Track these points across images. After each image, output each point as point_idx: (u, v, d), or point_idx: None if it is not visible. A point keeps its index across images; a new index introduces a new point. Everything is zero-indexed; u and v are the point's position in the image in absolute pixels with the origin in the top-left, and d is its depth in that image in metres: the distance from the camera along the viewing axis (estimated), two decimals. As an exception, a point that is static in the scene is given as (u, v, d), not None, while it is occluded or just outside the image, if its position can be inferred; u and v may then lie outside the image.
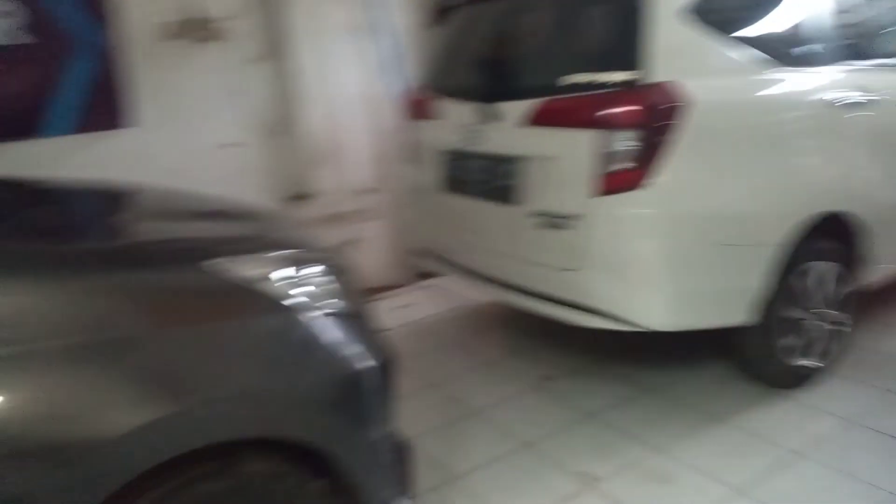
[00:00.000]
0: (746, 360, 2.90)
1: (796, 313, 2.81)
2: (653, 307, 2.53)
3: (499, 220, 2.90)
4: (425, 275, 4.26)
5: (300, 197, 4.23)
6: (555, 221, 2.66)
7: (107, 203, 2.28)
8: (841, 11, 2.91)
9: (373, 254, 4.42)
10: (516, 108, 2.77)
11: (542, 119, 2.70)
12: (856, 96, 2.83)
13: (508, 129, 2.82)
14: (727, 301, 2.63)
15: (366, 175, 4.38)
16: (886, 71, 3.04)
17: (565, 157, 2.62)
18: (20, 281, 1.35)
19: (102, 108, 3.61)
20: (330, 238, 4.16)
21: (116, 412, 1.32)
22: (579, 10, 2.91)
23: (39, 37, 3.38)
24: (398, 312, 4.00)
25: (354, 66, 4.28)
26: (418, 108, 3.44)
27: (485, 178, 2.96)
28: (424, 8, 4.45)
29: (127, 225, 2.15)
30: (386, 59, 4.36)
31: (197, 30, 3.83)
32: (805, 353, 2.88)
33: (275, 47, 4.09)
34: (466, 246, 3.14)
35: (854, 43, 2.94)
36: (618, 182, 2.49)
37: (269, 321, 1.60)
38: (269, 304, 1.60)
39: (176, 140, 3.82)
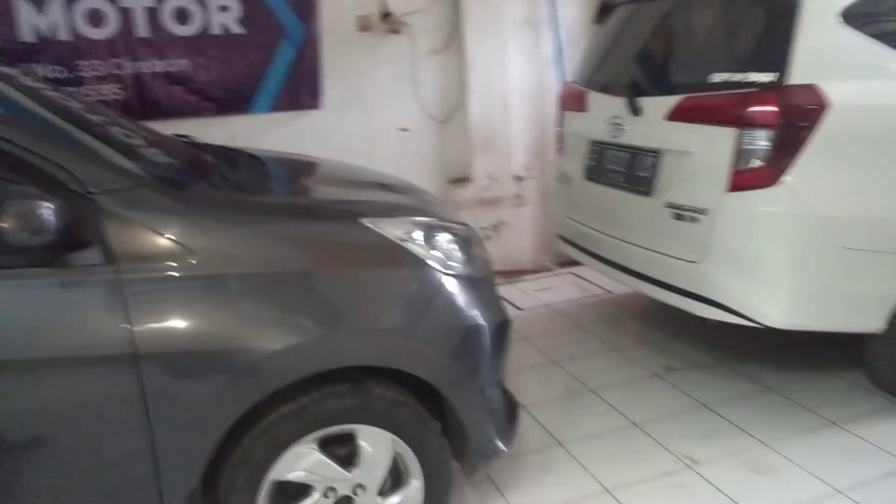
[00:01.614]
0: (877, 370, 2.84)
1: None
2: (771, 304, 2.59)
3: (635, 210, 3.06)
4: (570, 261, 4.46)
5: (461, 180, 4.61)
6: (687, 214, 2.78)
7: (293, 169, 2.78)
8: None
9: (522, 237, 4.70)
10: (660, 104, 2.91)
11: (682, 115, 2.83)
12: None
13: (650, 122, 2.97)
14: (856, 306, 2.62)
15: (522, 162, 4.66)
16: None
17: (701, 152, 2.73)
18: (224, 221, 1.79)
19: (300, 91, 4.21)
20: (483, 219, 4.53)
21: (281, 331, 1.72)
22: (729, 11, 2.99)
23: (253, 28, 4.01)
24: (538, 294, 4.26)
25: (521, 59, 4.56)
26: (571, 100, 3.66)
27: (624, 170, 3.12)
28: (591, 4, 4.62)
29: (305, 187, 2.63)
30: (552, 52, 4.59)
31: (384, 23, 4.31)
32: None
33: (450, 40, 4.49)
34: (604, 234, 3.32)
35: None
36: (749, 179, 2.57)
37: (406, 273, 1.95)
38: (407, 258, 1.95)
39: (359, 122, 4.36)
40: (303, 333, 1.74)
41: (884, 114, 2.56)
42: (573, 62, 4.26)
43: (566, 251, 3.73)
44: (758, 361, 3.22)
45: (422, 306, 1.94)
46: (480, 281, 2.13)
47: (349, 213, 2.01)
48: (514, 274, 4.61)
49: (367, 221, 1.94)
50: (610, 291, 4.18)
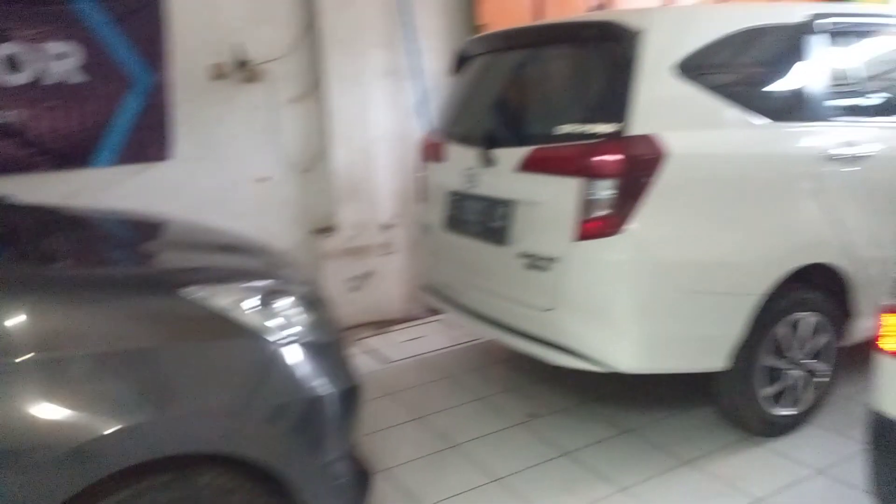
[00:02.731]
0: (727, 406, 2.95)
1: (778, 362, 2.87)
2: (622, 349, 2.64)
3: (491, 259, 3.07)
4: (438, 310, 4.43)
5: (326, 230, 4.49)
6: (538, 263, 2.81)
7: (122, 232, 2.57)
8: (831, 69, 2.97)
9: (391, 286, 4.62)
10: (512, 155, 2.96)
11: (532, 165, 2.88)
12: (845, 152, 2.89)
13: (503, 173, 3.00)
14: (701, 347, 2.73)
15: (389, 211, 4.60)
16: (875, 128, 3.06)
17: (550, 202, 2.78)
18: (18, 298, 1.59)
19: (148, 142, 3.96)
20: (350, 269, 4.42)
21: (81, 424, 1.52)
22: (573, 64, 3.10)
23: (95, 76, 3.76)
24: (407, 346, 4.18)
25: (385, 108, 4.54)
26: (430, 151, 3.66)
27: (481, 219, 3.14)
28: (451, 56, 4.70)
29: (129, 253, 2.42)
30: (414, 102, 4.61)
31: (240, 71, 4.16)
32: (785, 402, 2.92)
33: (311, 89, 4.40)
34: (464, 283, 3.31)
35: (842, 100, 2.99)
36: (595, 228, 2.63)
37: (234, 345, 1.81)
38: (235, 329, 1.81)
39: (213, 173, 4.15)
40: (109, 423, 1.55)
41: (719, 162, 2.70)
42: (436, 112, 4.29)
43: (429, 301, 3.69)
44: (618, 403, 3.28)
45: (254, 381, 1.81)
46: (326, 345, 2.02)
47: (169, 284, 1.85)
48: (383, 324, 4.52)
49: (190, 291, 1.79)
50: (478, 338, 4.18)
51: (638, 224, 2.57)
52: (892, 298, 1.68)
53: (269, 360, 1.83)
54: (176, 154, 4.01)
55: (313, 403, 1.89)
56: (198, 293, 1.79)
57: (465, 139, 3.34)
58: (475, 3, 4.65)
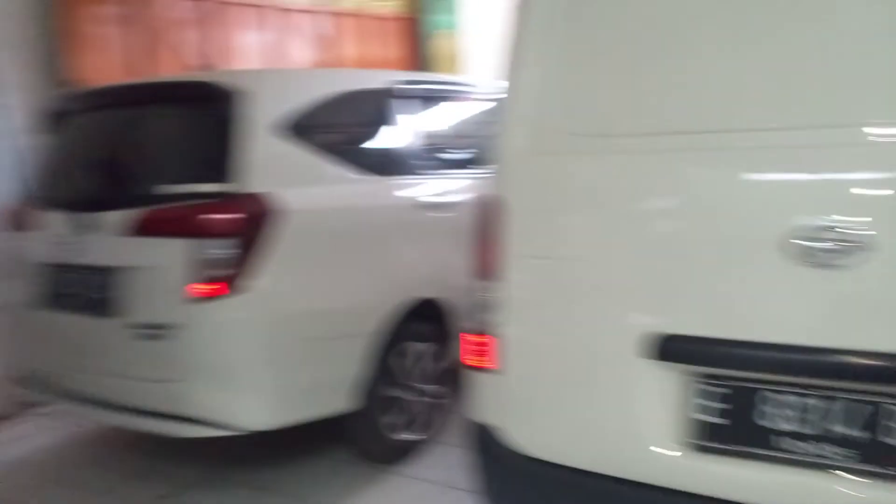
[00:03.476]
0: (355, 442, 3.08)
1: (397, 391, 3.11)
2: (251, 408, 2.62)
3: (98, 335, 2.79)
4: (38, 402, 3.83)
5: None
6: (153, 332, 2.62)
7: None
8: (418, 129, 3.39)
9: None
10: (115, 219, 2.74)
11: (138, 229, 2.70)
12: (435, 200, 3.29)
13: (106, 239, 2.76)
14: (326, 392, 2.82)
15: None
16: (457, 179, 3.55)
17: (160, 266, 2.64)
18: None
19: None
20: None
21: None
22: (177, 124, 3.01)
23: None
24: (3, 449, 3.52)
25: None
26: (17, 218, 3.19)
27: (82, 292, 2.83)
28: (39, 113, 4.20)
29: None
30: (6, 165, 3.98)
31: None
32: (408, 428, 3.16)
33: None
34: (69, 366, 2.93)
35: (430, 156, 3.43)
36: (212, 289, 2.56)
37: None
38: None
39: None
40: None
41: (326, 215, 2.85)
42: (31, 174, 3.76)
43: (27, 392, 3.18)
44: (251, 464, 3.19)
45: None
46: None
47: None
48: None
49: None
50: (94, 426, 3.70)
51: (253, 281, 2.58)
52: (468, 322, 1.95)
53: None
54: None
55: None
56: None
57: (62, 204, 3.00)
58: (64, 57, 4.24)
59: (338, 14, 6.41)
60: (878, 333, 1.35)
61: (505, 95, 1.79)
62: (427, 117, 3.48)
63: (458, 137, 3.69)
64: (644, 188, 1.58)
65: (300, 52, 6.16)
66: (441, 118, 3.63)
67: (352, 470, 3.08)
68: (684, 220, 1.52)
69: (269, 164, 2.72)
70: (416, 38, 6.88)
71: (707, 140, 1.50)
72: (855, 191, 1.36)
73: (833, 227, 1.34)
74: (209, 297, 2.56)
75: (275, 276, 2.62)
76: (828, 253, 1.34)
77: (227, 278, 2.56)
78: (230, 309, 2.56)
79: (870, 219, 1.32)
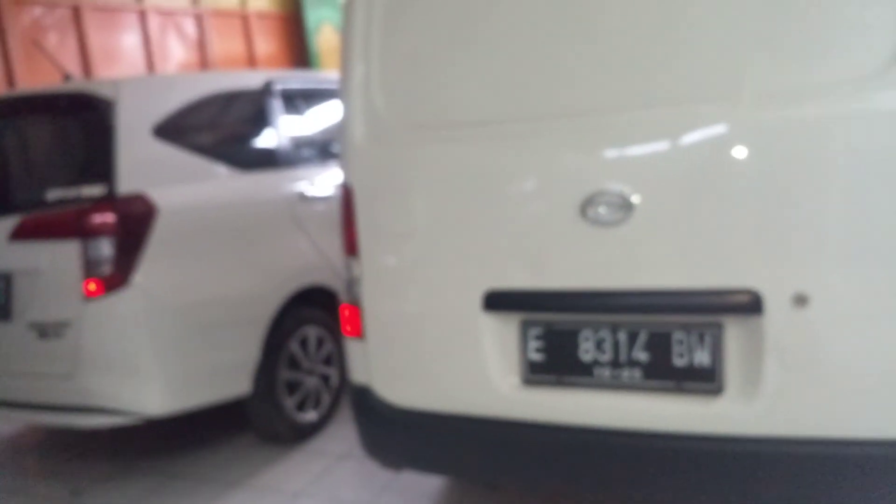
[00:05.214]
0: (259, 424, 3.29)
1: (295, 374, 3.33)
2: (149, 395, 2.78)
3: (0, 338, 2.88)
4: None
5: None
6: (50, 330, 2.76)
7: None
8: (296, 125, 3.59)
9: None
10: (2, 225, 2.85)
11: (25, 233, 2.83)
12: (314, 192, 3.51)
13: (-2, 246, 2.85)
14: (222, 377, 3.01)
15: None
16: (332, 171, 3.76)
17: (52, 267, 2.77)
18: None
19: None
20: None
21: None
22: (55, 132, 3.13)
23: None
24: None
25: None
26: None
27: (-23, 299, 2.90)
28: None
29: None
30: None
31: None
32: (309, 407, 3.40)
33: None
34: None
35: (313, 150, 3.64)
36: (101, 286, 2.71)
37: None
38: None
39: None
40: None
41: (208, 211, 3.03)
42: None
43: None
44: (161, 454, 3.35)
45: None
46: None
47: None
48: None
49: None
50: (2, 427, 3.75)
51: (141, 276, 2.75)
52: (345, 297, 2.20)
53: None
54: None
55: None
56: None
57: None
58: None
59: (219, 14, 6.46)
60: (648, 274, 1.71)
61: (341, 89, 2.05)
62: (303, 113, 3.68)
63: (334, 131, 3.90)
64: (465, 171, 1.88)
65: (182, 53, 6.19)
66: (317, 113, 3.82)
67: (258, 451, 3.30)
68: (501, 196, 1.84)
69: (143, 165, 2.89)
70: (299, 35, 7.01)
71: (510, 128, 1.82)
72: (619, 164, 1.71)
73: (605, 193, 1.68)
74: (97, 294, 2.71)
75: (157, 270, 2.80)
76: (605, 214, 1.69)
77: (111, 275, 2.72)
78: (117, 304, 2.72)
79: (630, 186, 1.67)
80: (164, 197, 2.84)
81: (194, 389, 2.91)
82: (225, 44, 6.64)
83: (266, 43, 7.11)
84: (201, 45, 6.43)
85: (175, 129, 3.01)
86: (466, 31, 1.87)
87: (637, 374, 1.77)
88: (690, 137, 1.64)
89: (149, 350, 2.75)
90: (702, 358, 1.71)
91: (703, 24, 1.64)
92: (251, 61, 6.87)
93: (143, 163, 2.87)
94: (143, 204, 2.78)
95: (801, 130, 1.57)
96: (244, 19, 6.85)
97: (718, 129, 1.62)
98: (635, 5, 1.70)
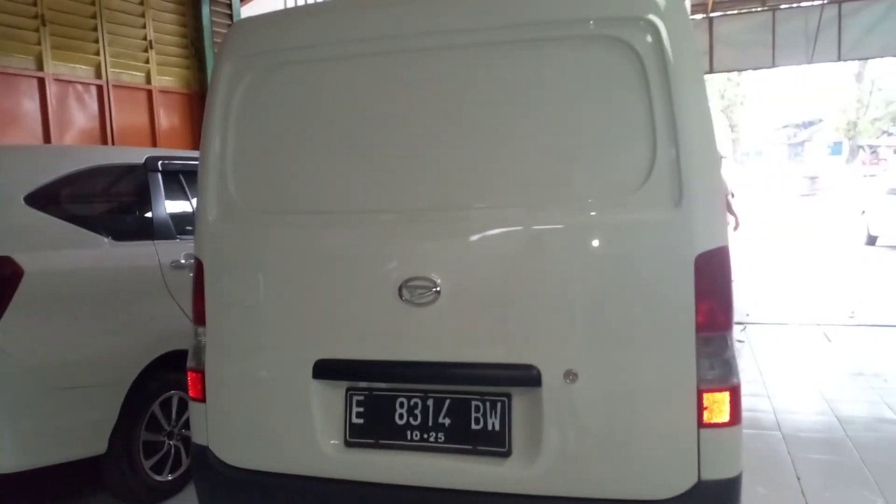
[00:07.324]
0: (114, 484, 3.30)
1: (155, 436, 3.38)
2: (0, 451, 2.78)
3: None
4: None
5: None
6: None
7: None
8: (173, 199, 3.72)
9: None
10: None
11: None
12: (182, 261, 3.58)
13: None
14: (77, 436, 3.05)
15: None
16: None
17: None
18: None
19: None
20: None
21: None
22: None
23: None
24: None
25: None
26: None
27: None
28: None
29: None
30: None
31: None
32: (167, 469, 3.44)
33: None
34: None
35: (185, 222, 3.72)
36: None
37: None
38: None
39: None
40: None
41: (76, 276, 3.12)
42: None
43: None
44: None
45: None
46: None
47: None
48: None
49: None
50: None
51: (1, 335, 2.80)
52: (191, 363, 2.36)
53: None
54: None
55: None
56: None
57: None
58: None
59: (122, 87, 6.62)
60: (452, 349, 1.99)
61: (199, 169, 2.27)
62: (182, 188, 3.81)
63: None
64: (302, 253, 2.13)
65: (83, 122, 6.27)
66: (195, 189, 3.96)
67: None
68: (331, 276, 2.09)
69: (16, 230, 2.99)
70: (202, 112, 7.24)
71: (343, 218, 2.10)
72: (430, 254, 2.01)
73: (418, 278, 1.98)
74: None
75: (17, 329, 2.86)
76: (418, 296, 1.98)
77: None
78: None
79: (437, 273, 1.98)
80: (32, 261, 2.94)
81: (47, 447, 2.93)
82: (128, 116, 6.77)
83: (169, 118, 7.29)
84: (102, 116, 6.54)
85: (51, 198, 3.13)
86: (309, 131, 2.16)
87: (442, 436, 2.01)
88: (485, 236, 1.97)
89: (1, 406, 2.78)
90: (494, 424, 1.98)
91: (504, 145, 2.00)
92: (153, 135, 7.01)
93: (13, 228, 2.98)
94: (10, 265, 2.88)
95: (571, 234, 1.92)
96: (148, 94, 7.04)
97: (507, 231, 1.96)
98: (454, 123, 2.04)
